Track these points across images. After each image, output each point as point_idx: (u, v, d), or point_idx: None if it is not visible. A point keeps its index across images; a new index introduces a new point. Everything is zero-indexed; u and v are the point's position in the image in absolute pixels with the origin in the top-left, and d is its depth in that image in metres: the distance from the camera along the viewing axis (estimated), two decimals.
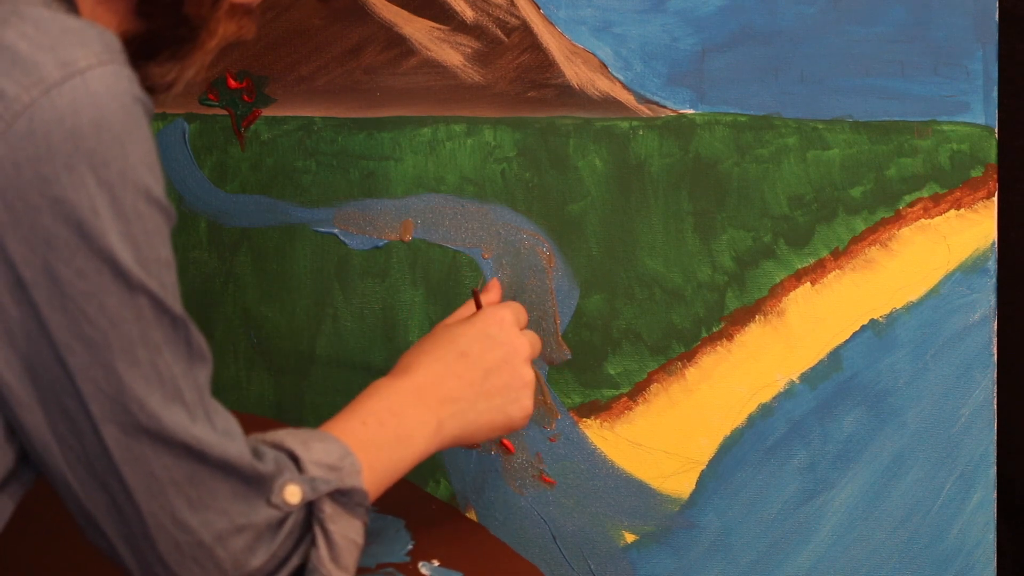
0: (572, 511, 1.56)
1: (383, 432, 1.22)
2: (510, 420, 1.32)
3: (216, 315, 1.60)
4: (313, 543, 1.12)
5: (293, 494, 1.10)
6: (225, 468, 1.07)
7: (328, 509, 1.12)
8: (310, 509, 1.12)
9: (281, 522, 1.10)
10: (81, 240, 1.01)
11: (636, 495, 1.55)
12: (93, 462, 1.04)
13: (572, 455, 1.56)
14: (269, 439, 1.14)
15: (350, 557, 1.13)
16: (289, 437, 1.15)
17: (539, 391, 1.56)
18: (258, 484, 1.09)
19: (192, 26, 1.16)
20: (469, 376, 1.30)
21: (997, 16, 1.50)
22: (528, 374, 1.33)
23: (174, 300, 1.06)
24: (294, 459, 1.13)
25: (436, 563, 1.33)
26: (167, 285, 1.06)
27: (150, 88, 1.19)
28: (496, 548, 1.38)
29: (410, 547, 1.35)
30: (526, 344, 1.34)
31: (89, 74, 1.01)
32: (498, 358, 1.32)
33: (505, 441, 1.56)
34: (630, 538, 1.56)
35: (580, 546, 1.56)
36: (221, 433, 1.07)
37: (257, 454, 1.11)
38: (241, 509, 1.07)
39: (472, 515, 1.56)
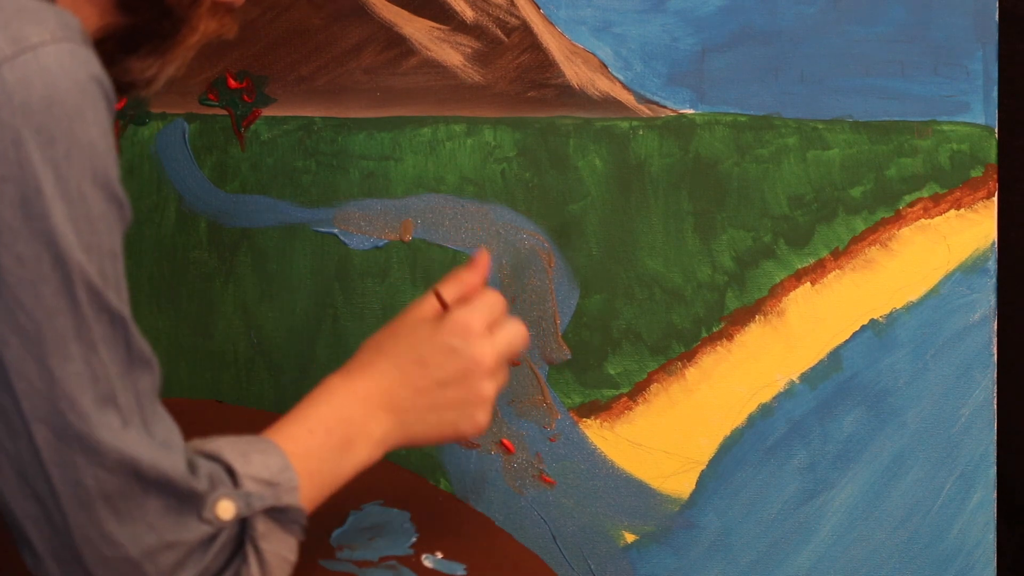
0: (572, 511, 1.56)
1: (329, 441, 1.18)
2: (459, 434, 1.25)
3: (216, 315, 1.60)
4: (244, 560, 1.08)
5: (226, 510, 1.07)
6: (157, 483, 1.03)
7: (261, 527, 1.09)
8: (243, 525, 1.09)
9: (213, 538, 1.06)
10: (24, 221, 0.98)
11: (636, 495, 1.55)
12: (25, 466, 1.01)
13: (572, 455, 1.56)
14: (208, 449, 1.10)
15: (281, 574, 1.10)
16: (228, 447, 1.11)
17: (539, 391, 1.56)
18: (190, 500, 1.05)
19: (174, 21, 1.15)
20: (423, 387, 1.23)
21: (997, 16, 1.51)
22: (487, 389, 1.25)
23: (116, 296, 1.02)
24: (230, 472, 1.09)
25: (439, 555, 1.32)
26: (109, 278, 1.02)
27: (131, 83, 1.17)
28: (501, 539, 1.37)
29: (414, 539, 1.35)
30: (490, 355, 1.25)
31: (41, 50, 0.99)
32: (457, 371, 1.24)
33: (505, 441, 1.56)
34: (630, 538, 1.55)
35: (580, 546, 1.56)
36: (158, 444, 1.04)
37: (192, 467, 1.07)
38: (172, 525, 1.04)
39: None
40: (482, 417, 1.25)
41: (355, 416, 1.21)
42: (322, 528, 1.35)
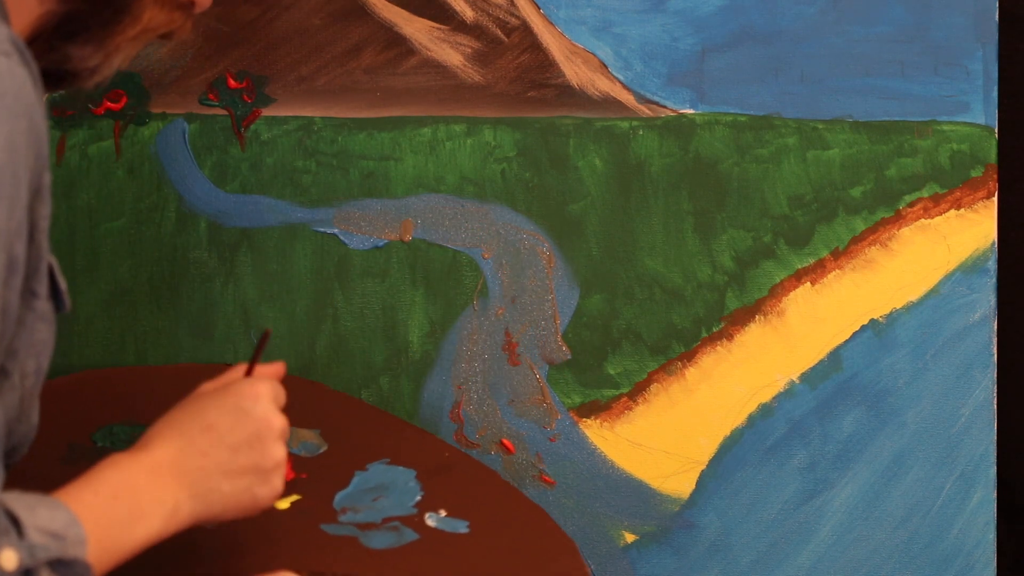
0: (572, 511, 1.56)
1: (116, 506, 1.13)
2: (256, 502, 1.20)
3: (216, 315, 1.60)
4: None
5: (9, 559, 1.02)
6: None
7: None
8: None
9: None
10: None
11: (636, 495, 1.55)
12: None
13: (572, 455, 1.56)
14: None
15: None
16: (14, 500, 1.07)
17: (539, 391, 1.56)
18: None
19: (114, 10, 1.12)
20: (214, 453, 1.18)
21: (997, 16, 1.51)
22: (280, 453, 1.20)
23: None
24: (15, 522, 1.05)
25: (443, 513, 1.32)
26: None
27: (72, 72, 1.15)
28: (507, 494, 1.37)
29: (419, 498, 1.34)
30: (280, 421, 1.21)
31: None
32: (248, 434, 1.19)
33: (505, 441, 1.56)
34: (630, 538, 1.55)
35: (580, 546, 1.56)
36: None
37: None
38: None
39: None
40: (278, 481, 1.21)
41: (141, 484, 1.16)
42: (326, 491, 1.34)
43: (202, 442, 1.18)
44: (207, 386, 1.24)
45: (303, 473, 1.39)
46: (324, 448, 1.43)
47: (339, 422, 1.46)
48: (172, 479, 1.17)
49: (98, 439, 1.44)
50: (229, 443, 1.19)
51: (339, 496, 1.35)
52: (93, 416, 1.46)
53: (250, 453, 1.19)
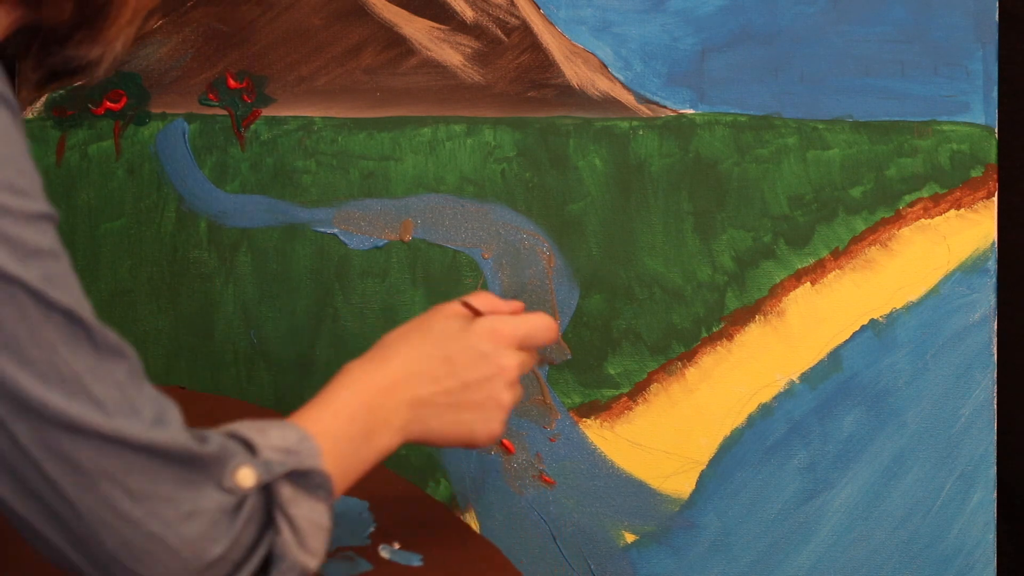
0: (572, 511, 1.56)
1: (352, 427, 1.18)
2: (473, 437, 1.25)
3: (216, 315, 1.60)
4: (276, 530, 1.08)
5: (246, 477, 1.06)
6: (159, 454, 1.02)
7: (287, 492, 1.08)
8: (269, 496, 1.08)
9: (237, 507, 1.06)
10: None
11: (636, 495, 1.55)
12: (14, 466, 1.00)
13: (572, 455, 1.56)
14: (223, 429, 1.10)
15: (317, 541, 1.10)
16: (244, 426, 1.11)
17: (539, 391, 1.56)
18: (202, 468, 1.05)
19: (98, 5, 1.12)
20: (446, 383, 1.23)
21: (997, 16, 1.51)
22: (506, 398, 1.25)
23: (63, 293, 1.01)
24: (248, 445, 1.09)
25: (396, 546, 1.32)
26: (53, 277, 1.01)
27: (78, 69, 1.16)
28: (460, 529, 1.37)
29: (372, 530, 1.34)
30: (515, 367, 1.26)
31: None
32: (481, 375, 1.25)
33: (505, 441, 1.56)
34: (630, 538, 1.55)
35: (580, 546, 1.56)
36: (150, 423, 1.03)
37: (200, 439, 1.06)
38: (188, 495, 1.03)
39: (472, 515, 1.56)
40: (497, 425, 1.25)
41: (377, 404, 1.20)
42: None
43: (439, 370, 1.23)
44: (445, 309, 1.27)
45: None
46: None
47: None
48: (405, 399, 1.21)
49: None
50: (463, 378, 1.24)
51: None
52: None
53: (478, 391, 1.24)
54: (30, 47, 1.12)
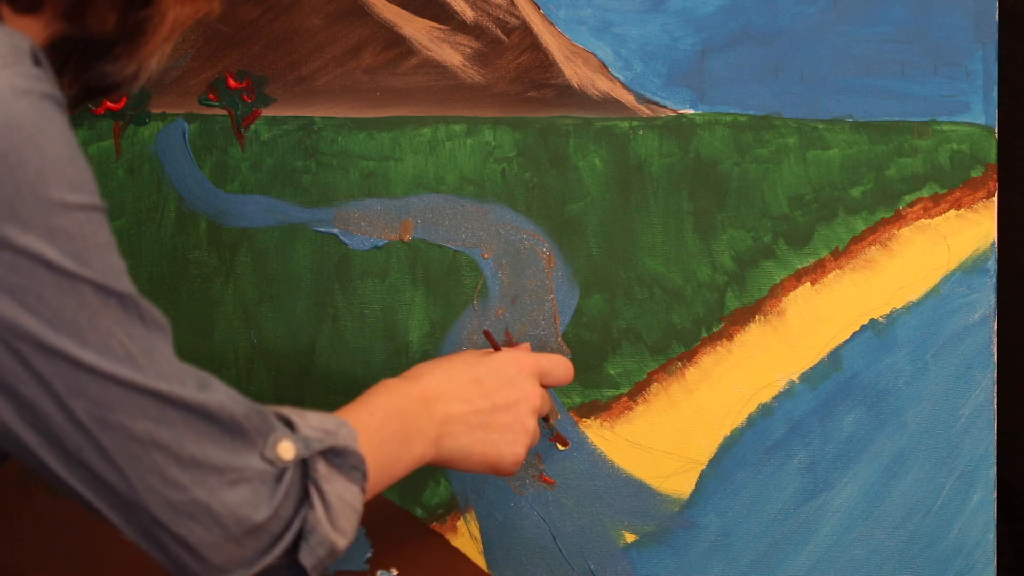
0: (572, 511, 1.56)
1: (388, 427, 1.22)
2: (501, 459, 1.31)
3: (216, 315, 1.60)
4: (310, 505, 1.11)
5: (287, 449, 1.10)
6: (205, 419, 1.07)
7: (323, 468, 1.12)
8: (305, 471, 1.12)
9: (278, 478, 1.09)
10: (4, 242, 1.01)
11: (636, 495, 1.55)
12: (70, 439, 1.04)
13: (572, 455, 1.56)
14: (267, 407, 1.15)
15: (347, 521, 1.13)
16: (285, 408, 1.16)
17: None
18: (245, 436, 1.09)
19: (137, 21, 1.14)
20: (476, 403, 1.29)
21: (997, 16, 1.51)
22: (531, 425, 1.32)
23: (117, 280, 1.06)
24: (288, 423, 1.14)
25: (395, 572, 1.32)
26: (109, 267, 1.06)
27: (113, 84, 1.18)
28: (455, 558, 1.37)
29: (369, 555, 1.35)
30: (539, 395, 1.33)
31: None
32: (509, 399, 1.31)
33: None
34: (630, 538, 1.55)
35: (580, 546, 1.56)
36: (194, 388, 1.07)
37: (244, 405, 1.10)
38: (232, 461, 1.07)
39: (472, 515, 1.56)
40: (522, 449, 1.31)
41: (412, 411, 1.25)
42: None
43: (469, 391, 1.29)
44: (468, 350, 1.37)
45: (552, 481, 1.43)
46: None
47: None
48: (437, 414, 1.27)
49: None
50: (493, 400, 1.30)
51: None
52: None
53: (506, 414, 1.30)
54: (67, 62, 1.14)
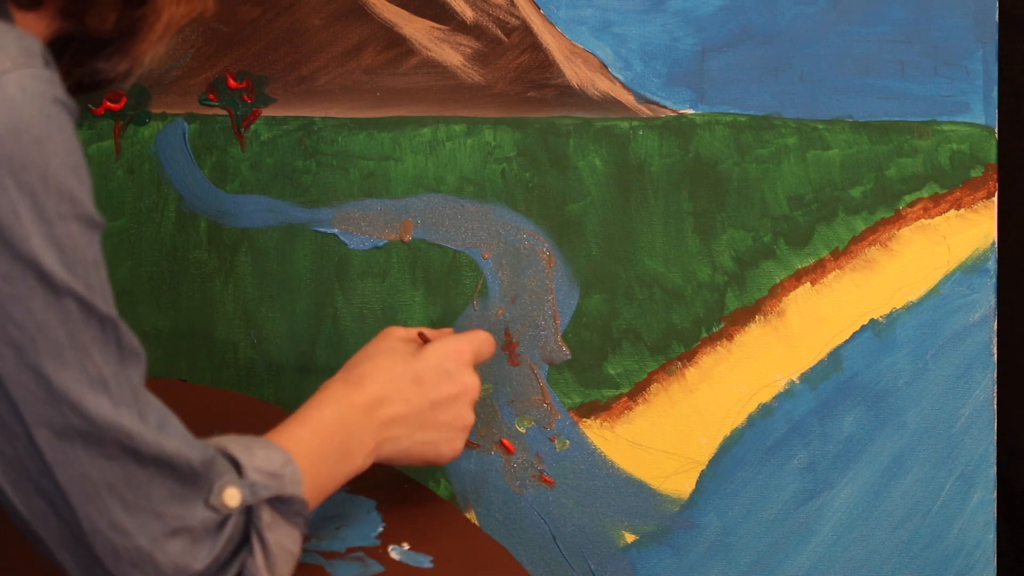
0: (572, 511, 1.56)
1: (329, 445, 1.20)
2: (439, 456, 1.30)
3: (216, 315, 1.60)
4: (250, 551, 1.10)
5: (232, 497, 1.09)
6: (159, 464, 1.05)
7: (267, 517, 1.11)
8: (249, 516, 1.10)
9: (220, 525, 1.08)
10: (3, 245, 1.00)
11: (636, 495, 1.55)
12: (27, 466, 1.03)
13: (572, 455, 1.56)
14: (211, 443, 1.13)
15: (285, 567, 1.12)
16: (232, 443, 1.14)
17: (539, 391, 1.56)
18: (194, 483, 1.07)
19: (132, 19, 1.13)
20: (417, 403, 1.28)
21: (997, 16, 1.51)
22: (470, 418, 1.31)
23: (103, 300, 1.05)
24: (235, 464, 1.12)
25: (406, 546, 1.32)
26: (95, 286, 1.04)
27: (105, 80, 1.17)
28: (467, 529, 1.37)
29: (380, 530, 1.34)
30: (477, 386, 1.32)
31: (4, 78, 1.00)
32: (448, 394, 1.30)
33: (505, 441, 1.56)
34: (630, 538, 1.56)
35: (580, 546, 1.56)
36: (155, 428, 1.06)
37: (195, 447, 1.09)
38: (177, 511, 1.06)
39: (472, 515, 1.56)
40: (460, 443, 1.31)
41: (353, 424, 1.23)
42: None
43: (409, 392, 1.28)
44: (400, 332, 1.34)
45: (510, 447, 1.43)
46: None
47: None
48: (379, 420, 1.26)
49: None
50: (432, 398, 1.29)
51: None
52: None
53: (445, 411, 1.29)
54: (59, 58, 1.14)
